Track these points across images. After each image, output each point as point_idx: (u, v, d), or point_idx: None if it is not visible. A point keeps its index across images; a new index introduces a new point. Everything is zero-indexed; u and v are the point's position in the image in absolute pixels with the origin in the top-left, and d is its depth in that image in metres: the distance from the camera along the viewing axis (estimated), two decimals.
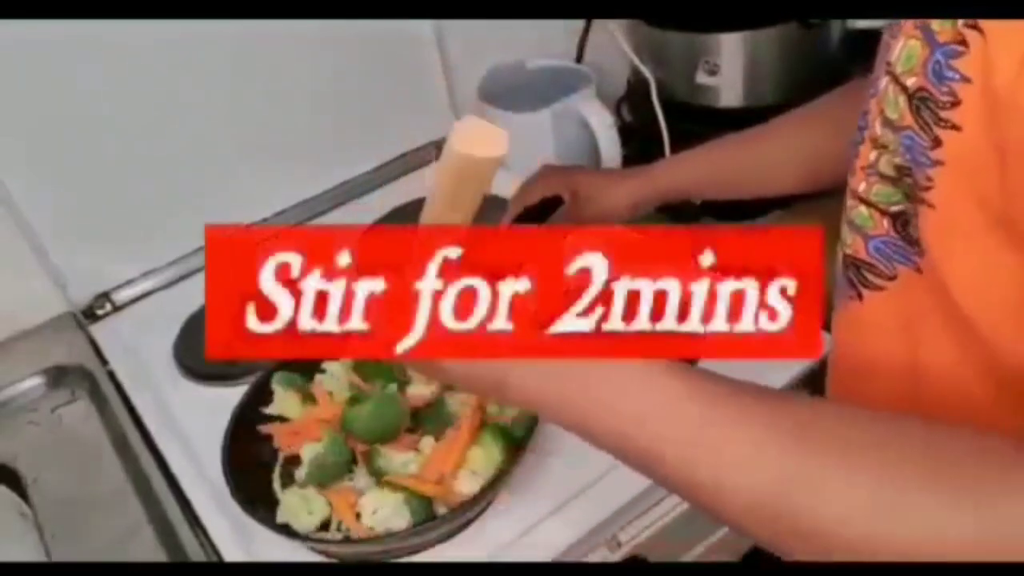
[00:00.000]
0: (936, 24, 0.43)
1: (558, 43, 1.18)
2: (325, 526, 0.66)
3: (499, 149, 0.45)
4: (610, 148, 1.04)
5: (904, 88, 0.45)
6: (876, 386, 0.56)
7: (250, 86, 0.97)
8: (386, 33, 1.03)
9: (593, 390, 0.43)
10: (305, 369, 0.75)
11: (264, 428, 0.72)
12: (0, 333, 0.94)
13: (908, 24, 0.46)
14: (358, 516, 0.65)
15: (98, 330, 0.94)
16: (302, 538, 0.65)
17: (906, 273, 0.50)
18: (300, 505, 0.66)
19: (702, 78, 1.07)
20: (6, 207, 0.88)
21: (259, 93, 0.98)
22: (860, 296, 0.54)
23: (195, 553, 0.70)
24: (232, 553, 0.68)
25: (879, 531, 0.35)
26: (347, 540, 0.65)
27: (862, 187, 0.51)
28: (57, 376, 0.90)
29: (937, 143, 0.43)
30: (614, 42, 1.13)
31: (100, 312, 0.96)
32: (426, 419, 0.70)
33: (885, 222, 0.50)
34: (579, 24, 1.18)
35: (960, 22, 0.41)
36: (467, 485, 0.65)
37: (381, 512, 0.64)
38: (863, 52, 1.24)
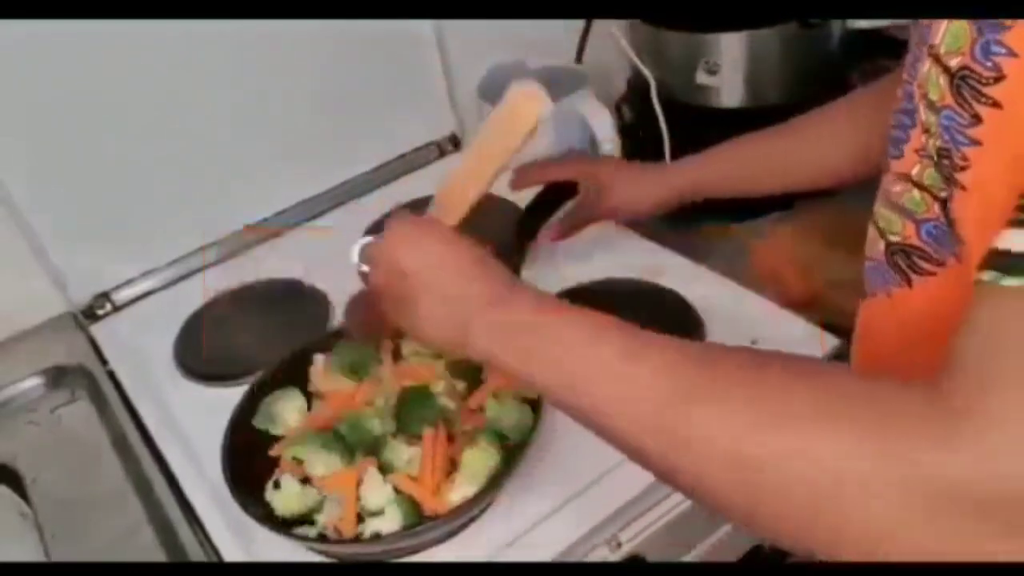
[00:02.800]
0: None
1: (558, 43, 1.18)
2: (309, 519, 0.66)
3: (543, 108, 0.54)
4: (610, 148, 1.04)
5: (947, 68, 0.45)
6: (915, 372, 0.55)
7: (250, 86, 0.97)
8: (386, 33, 1.03)
9: (542, 346, 0.47)
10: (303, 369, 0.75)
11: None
12: (0, 333, 0.94)
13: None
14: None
15: (98, 330, 0.94)
16: (302, 538, 0.65)
17: (952, 262, 0.50)
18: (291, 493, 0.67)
19: (702, 78, 1.07)
20: (6, 207, 0.88)
21: (259, 93, 0.98)
22: (909, 282, 0.54)
23: (195, 553, 0.70)
24: (232, 553, 0.68)
25: (754, 439, 0.37)
26: (347, 540, 0.65)
27: (915, 170, 0.51)
28: (57, 376, 0.90)
29: (976, 120, 0.43)
30: (614, 42, 1.13)
31: (100, 312, 0.96)
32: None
33: (936, 206, 0.50)
34: (579, 24, 1.18)
35: None
36: (462, 490, 0.65)
37: (373, 500, 0.65)
38: (863, 52, 1.26)
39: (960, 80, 0.44)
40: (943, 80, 0.46)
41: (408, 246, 0.54)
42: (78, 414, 0.87)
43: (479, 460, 0.66)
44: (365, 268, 0.58)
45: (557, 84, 1.06)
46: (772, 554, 0.84)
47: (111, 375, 0.88)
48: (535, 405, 0.70)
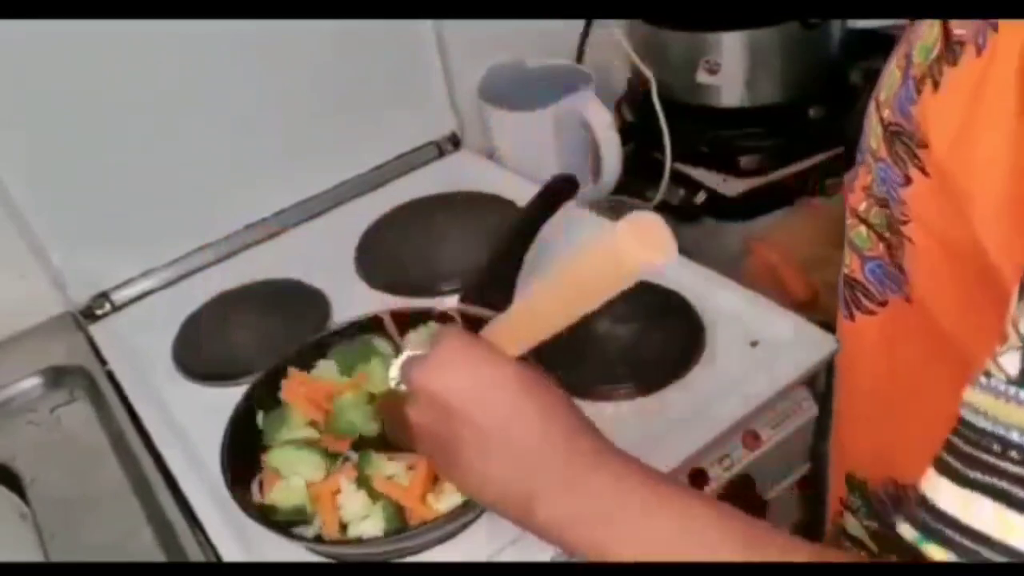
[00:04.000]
0: (918, 55, 0.42)
1: (558, 43, 1.18)
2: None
3: (667, 254, 0.39)
4: (610, 148, 1.04)
5: (881, 119, 0.45)
6: (861, 408, 0.55)
7: (250, 86, 0.96)
8: (386, 33, 1.02)
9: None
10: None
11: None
12: (0, 333, 0.94)
13: (901, 53, 0.45)
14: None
15: (97, 330, 0.94)
16: (301, 538, 0.65)
17: (896, 301, 0.48)
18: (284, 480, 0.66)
19: (702, 78, 1.07)
20: (6, 207, 0.88)
21: (259, 93, 0.98)
22: (852, 317, 0.53)
23: (194, 553, 0.69)
24: (231, 553, 0.68)
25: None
26: (346, 541, 0.65)
27: (862, 207, 0.50)
28: (56, 376, 0.90)
29: (908, 181, 0.42)
30: (614, 42, 1.13)
31: (99, 312, 0.95)
32: None
33: (881, 245, 0.48)
34: (579, 24, 1.18)
35: (931, 58, 0.40)
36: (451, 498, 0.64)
37: (350, 509, 0.64)
38: (863, 52, 1.25)
39: (892, 135, 0.43)
40: (879, 130, 0.45)
41: (456, 374, 0.44)
42: (77, 414, 0.87)
43: None
44: (402, 387, 0.48)
45: (557, 84, 1.07)
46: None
47: (110, 375, 0.88)
48: None
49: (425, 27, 1.06)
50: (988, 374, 0.32)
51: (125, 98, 0.89)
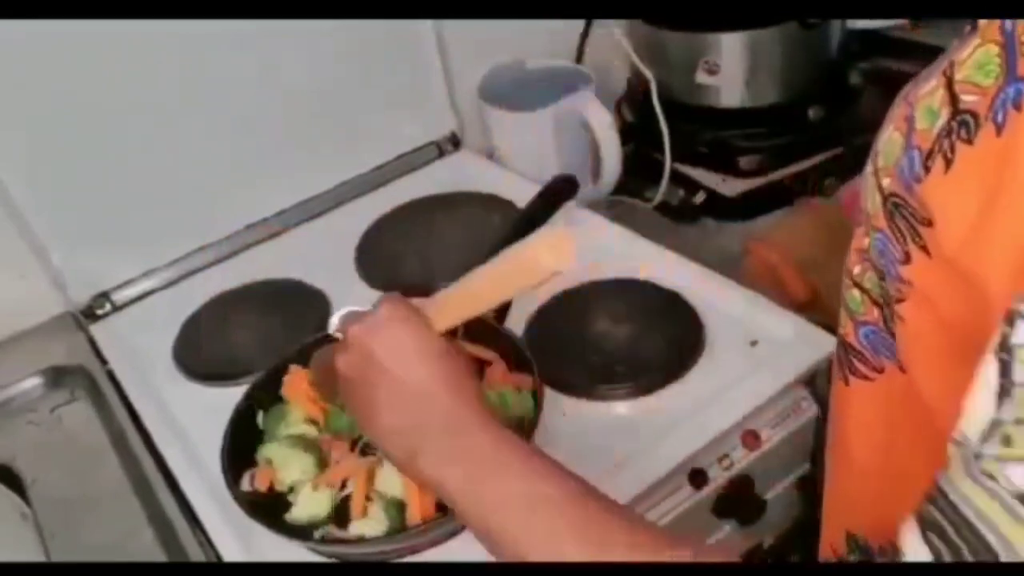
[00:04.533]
0: (922, 119, 0.38)
1: (558, 43, 1.18)
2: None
3: (564, 264, 0.48)
4: (610, 148, 1.04)
5: (880, 187, 0.42)
6: (859, 467, 0.54)
7: (249, 86, 0.96)
8: (386, 33, 1.02)
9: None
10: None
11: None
12: (0, 333, 0.94)
13: (900, 115, 0.42)
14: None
15: (98, 330, 0.94)
16: (302, 538, 0.65)
17: (892, 369, 0.47)
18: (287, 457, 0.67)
19: (702, 78, 1.07)
20: (6, 207, 0.88)
21: (259, 93, 0.98)
22: (847, 380, 0.51)
23: (195, 553, 0.70)
24: (232, 553, 0.68)
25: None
26: (346, 540, 0.65)
27: (857, 270, 0.48)
28: (56, 376, 0.90)
29: (907, 258, 0.39)
30: (614, 42, 1.13)
31: (100, 312, 0.96)
32: None
33: (876, 311, 0.47)
34: (579, 24, 1.18)
35: (938, 127, 0.37)
36: None
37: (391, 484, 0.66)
38: (863, 52, 1.25)
39: (893, 207, 0.40)
40: (877, 198, 0.42)
41: (389, 334, 0.50)
42: (78, 414, 0.87)
43: None
44: (339, 335, 0.56)
45: (557, 84, 1.07)
46: (771, 554, 0.84)
47: (111, 375, 0.88)
48: (534, 396, 0.69)
49: (425, 27, 1.06)
50: (991, 476, 0.31)
51: (125, 98, 0.89)
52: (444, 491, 0.48)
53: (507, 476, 0.46)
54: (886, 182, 0.41)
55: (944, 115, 0.37)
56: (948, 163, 0.36)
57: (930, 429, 0.43)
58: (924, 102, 0.39)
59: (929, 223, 0.37)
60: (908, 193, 0.38)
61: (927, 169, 0.37)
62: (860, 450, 0.53)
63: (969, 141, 0.35)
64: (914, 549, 0.33)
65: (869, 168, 0.44)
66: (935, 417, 0.43)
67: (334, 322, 0.59)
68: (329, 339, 0.77)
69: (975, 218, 0.34)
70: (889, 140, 0.42)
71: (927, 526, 0.33)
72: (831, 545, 0.60)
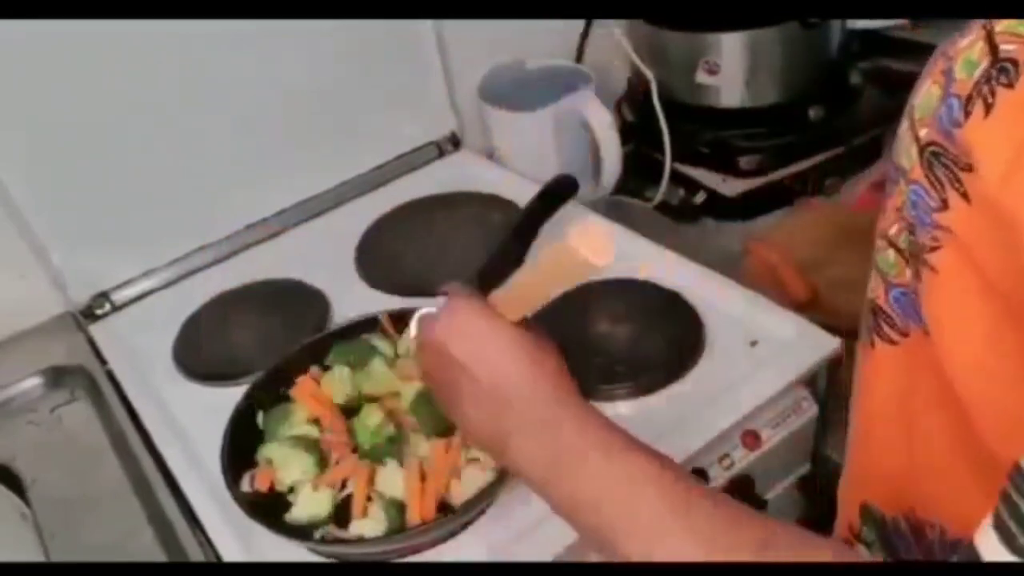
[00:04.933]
0: (961, 70, 0.39)
1: (558, 43, 1.18)
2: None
3: (607, 258, 0.47)
4: (610, 148, 1.04)
5: (917, 138, 0.42)
6: (878, 435, 0.54)
7: (249, 85, 0.96)
8: (386, 33, 1.02)
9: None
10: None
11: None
12: (0, 333, 0.94)
13: (937, 70, 0.43)
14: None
15: (97, 330, 0.94)
16: (301, 538, 0.65)
17: (917, 334, 0.47)
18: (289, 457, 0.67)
19: (702, 78, 1.07)
20: (6, 207, 0.88)
21: (259, 93, 0.98)
22: (872, 344, 0.51)
23: (195, 553, 0.70)
24: (231, 553, 0.68)
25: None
26: (346, 540, 0.65)
27: (893, 229, 0.47)
28: (56, 376, 0.90)
29: (944, 205, 0.40)
30: (614, 42, 1.13)
31: (99, 312, 0.95)
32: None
33: (908, 272, 0.46)
34: (579, 24, 1.18)
35: (978, 75, 0.38)
36: (469, 485, 0.65)
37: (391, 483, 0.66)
38: (863, 52, 1.25)
39: (932, 157, 0.41)
40: (914, 151, 0.43)
41: (464, 331, 0.51)
42: (78, 414, 0.87)
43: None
44: (416, 343, 0.57)
45: (557, 84, 1.07)
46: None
47: (110, 375, 0.88)
48: None
49: (425, 27, 1.06)
50: None
51: (125, 98, 0.89)
52: (533, 480, 0.48)
53: (588, 467, 0.46)
54: (923, 132, 0.42)
55: (984, 64, 0.38)
56: (988, 107, 0.37)
57: (949, 396, 0.43)
58: (963, 54, 0.40)
59: (969, 168, 0.38)
60: (947, 140, 0.39)
61: (967, 114, 0.38)
62: (880, 415, 0.53)
63: (1010, 85, 0.36)
64: (991, 547, 0.32)
65: (904, 125, 0.45)
66: (955, 384, 0.43)
67: (413, 328, 0.59)
68: (329, 339, 0.77)
69: (1015, 157, 0.35)
70: (926, 94, 0.43)
71: (1009, 510, 0.32)
72: (847, 522, 0.60)
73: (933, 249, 0.42)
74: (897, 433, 0.51)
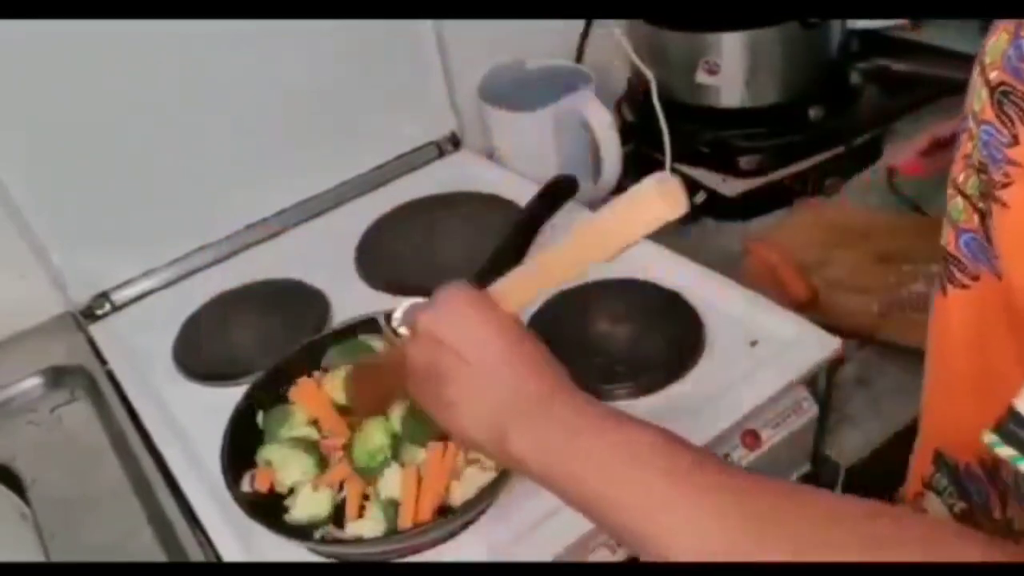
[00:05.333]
0: None
1: (558, 43, 1.18)
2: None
3: (677, 211, 0.46)
4: (610, 148, 1.04)
5: (987, 81, 0.45)
6: (954, 382, 0.55)
7: (249, 86, 0.96)
8: (386, 33, 1.02)
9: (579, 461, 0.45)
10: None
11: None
12: (0, 333, 0.94)
13: (1007, 24, 0.44)
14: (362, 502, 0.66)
15: (97, 330, 0.94)
16: (302, 538, 0.65)
17: (988, 276, 0.48)
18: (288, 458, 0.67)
19: (702, 78, 1.07)
20: (6, 207, 0.88)
21: (259, 92, 0.98)
22: (945, 291, 0.53)
23: (195, 553, 0.70)
24: (232, 553, 0.68)
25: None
26: (346, 540, 0.65)
27: (961, 177, 0.49)
28: (56, 376, 0.90)
29: (1015, 140, 0.42)
30: (614, 42, 1.13)
31: (99, 312, 0.95)
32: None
33: (976, 217, 0.48)
34: (579, 24, 1.18)
35: None
36: (469, 486, 0.65)
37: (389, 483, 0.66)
38: (863, 52, 1.25)
39: (1001, 96, 0.43)
40: (984, 93, 0.45)
41: (456, 318, 0.50)
42: (78, 414, 0.87)
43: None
44: (404, 331, 0.55)
45: (557, 84, 1.07)
46: None
47: (110, 375, 0.88)
48: None
49: (425, 27, 1.06)
50: None
51: (125, 98, 0.89)
52: (535, 470, 0.47)
53: (600, 444, 0.45)
54: (993, 75, 0.44)
55: None
56: None
57: (1021, 332, 0.45)
58: None
59: None
60: (1016, 78, 0.42)
61: None
62: (956, 361, 0.54)
63: None
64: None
65: (975, 72, 0.47)
66: None
67: (398, 317, 0.58)
68: (329, 339, 0.78)
69: None
70: (996, 41, 0.45)
71: None
72: (920, 473, 0.60)
73: (1005, 185, 0.43)
74: (972, 376, 0.52)
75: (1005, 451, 0.32)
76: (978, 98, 0.46)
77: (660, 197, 0.45)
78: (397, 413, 0.69)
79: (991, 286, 0.48)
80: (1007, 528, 0.54)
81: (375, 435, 0.68)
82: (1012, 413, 0.32)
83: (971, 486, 0.56)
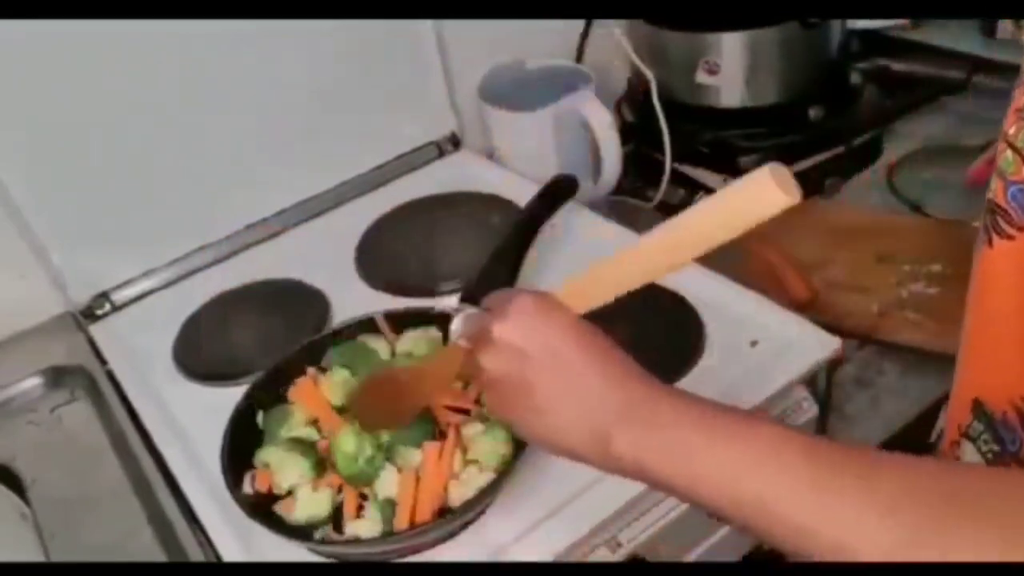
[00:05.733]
0: None
1: (558, 43, 1.18)
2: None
3: (790, 200, 0.45)
4: (610, 148, 1.04)
5: None
6: (995, 331, 0.55)
7: (250, 86, 0.96)
8: (386, 33, 1.02)
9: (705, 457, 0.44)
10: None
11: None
12: (0, 333, 0.94)
13: None
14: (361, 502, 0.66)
15: (97, 330, 0.94)
16: (302, 538, 0.65)
17: None
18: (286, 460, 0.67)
19: (702, 78, 1.07)
20: (6, 207, 0.88)
21: (259, 93, 0.98)
22: (991, 242, 0.53)
23: (195, 553, 0.70)
24: (232, 553, 0.68)
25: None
26: (346, 540, 0.65)
27: (1012, 130, 0.50)
28: (56, 376, 0.90)
29: None
30: (614, 42, 1.13)
31: (99, 312, 0.95)
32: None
33: None
34: (579, 24, 1.18)
35: None
36: (475, 480, 0.65)
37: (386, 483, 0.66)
38: (863, 52, 1.25)
39: None
40: None
41: (533, 325, 0.49)
42: (78, 414, 0.87)
43: (490, 451, 0.66)
44: (463, 342, 0.53)
45: (557, 84, 1.07)
46: (772, 554, 0.84)
47: (111, 375, 0.88)
48: None
49: (425, 27, 1.06)
50: None
51: (125, 98, 0.89)
52: (653, 472, 0.45)
53: (722, 447, 0.44)
54: None
55: None
56: None
57: None
58: None
59: None
60: None
61: None
62: (999, 311, 0.54)
63: None
64: None
65: None
66: None
67: (456, 328, 0.55)
68: (329, 339, 0.77)
69: None
70: None
71: None
72: (956, 422, 0.60)
73: None
74: (1015, 325, 0.52)
75: None
76: None
77: (778, 185, 0.44)
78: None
79: None
80: None
81: (347, 440, 0.67)
82: None
83: (1007, 434, 0.56)
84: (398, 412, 0.64)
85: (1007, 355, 0.54)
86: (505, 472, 0.65)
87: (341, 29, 0.96)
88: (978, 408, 0.59)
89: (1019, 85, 0.50)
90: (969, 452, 0.61)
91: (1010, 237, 0.51)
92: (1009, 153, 0.50)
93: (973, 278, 0.57)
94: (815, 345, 0.76)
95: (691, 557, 0.77)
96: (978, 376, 0.60)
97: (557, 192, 0.93)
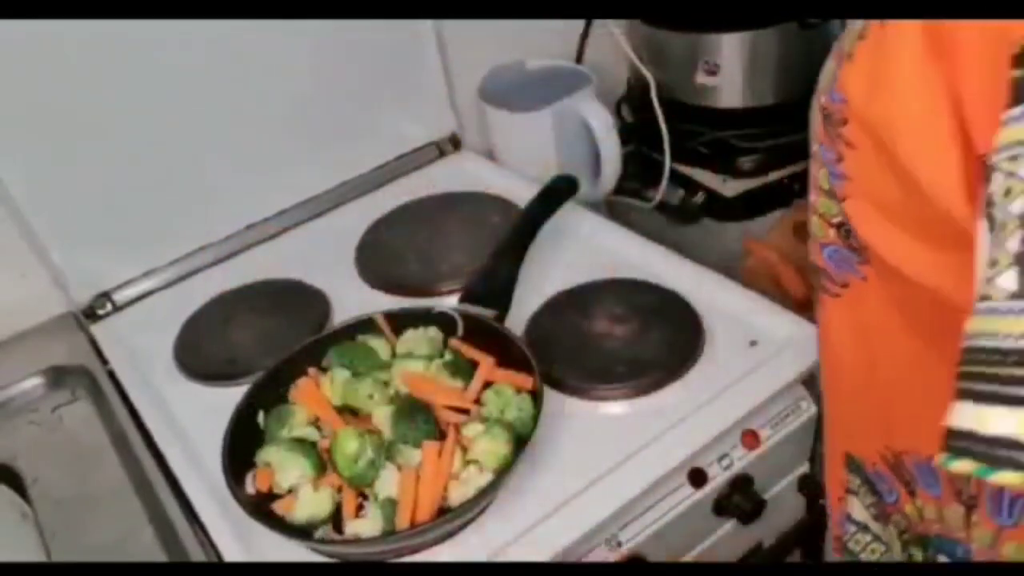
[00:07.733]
0: (848, 44, 0.46)
1: (558, 43, 1.18)
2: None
3: None
4: (610, 148, 1.04)
5: (821, 107, 0.49)
6: (844, 383, 0.58)
7: (250, 86, 0.97)
8: (386, 33, 1.03)
9: None
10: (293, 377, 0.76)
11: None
12: (0, 333, 0.95)
13: (835, 52, 0.49)
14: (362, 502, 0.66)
15: (98, 330, 0.94)
16: (302, 538, 0.65)
17: (855, 281, 0.52)
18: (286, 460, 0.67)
19: (702, 78, 1.07)
20: (6, 207, 0.88)
21: (259, 93, 0.98)
22: (822, 302, 0.56)
23: (195, 553, 0.70)
24: (232, 553, 0.68)
25: None
26: (347, 540, 0.65)
27: (812, 198, 0.55)
28: (57, 376, 0.90)
29: (840, 157, 0.46)
30: (614, 42, 1.13)
31: (100, 312, 0.96)
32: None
33: (831, 232, 0.52)
34: (579, 24, 1.18)
35: (847, 45, 0.44)
36: (468, 486, 0.65)
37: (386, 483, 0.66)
38: None
39: (825, 118, 0.48)
40: (818, 117, 0.50)
41: None
42: (78, 414, 0.87)
43: (490, 451, 0.66)
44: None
45: (557, 84, 1.07)
46: (771, 554, 0.84)
47: (111, 375, 0.88)
48: (534, 396, 0.70)
49: (425, 27, 1.06)
50: (985, 297, 0.32)
51: (126, 98, 0.89)
52: None
53: None
54: (822, 100, 0.49)
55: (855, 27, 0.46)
56: (851, 58, 0.45)
57: (902, 334, 0.49)
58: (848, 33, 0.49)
59: (845, 121, 0.45)
60: (831, 101, 0.47)
61: (840, 68, 0.46)
62: (842, 363, 0.57)
63: (864, 37, 0.45)
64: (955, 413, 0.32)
65: (814, 100, 0.52)
66: (901, 314, 0.48)
67: None
68: (329, 339, 0.78)
69: (870, 81, 0.43)
70: (827, 69, 0.50)
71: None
72: (837, 478, 0.62)
73: (843, 199, 0.49)
74: (862, 378, 0.55)
75: (962, 465, 0.31)
76: (815, 123, 0.51)
77: None
78: (383, 416, 0.69)
79: (859, 289, 0.51)
80: (919, 517, 0.56)
81: (348, 441, 0.67)
82: (949, 432, 0.32)
83: (882, 486, 0.58)
84: None
85: (863, 407, 0.56)
86: (505, 472, 0.65)
87: (341, 29, 0.97)
88: (851, 462, 0.60)
89: (812, 158, 0.54)
90: (855, 509, 0.62)
91: (836, 295, 0.54)
92: (815, 219, 0.54)
93: (819, 335, 0.61)
94: (814, 345, 0.76)
95: (691, 557, 0.78)
96: (845, 432, 0.61)
97: (557, 192, 0.93)
